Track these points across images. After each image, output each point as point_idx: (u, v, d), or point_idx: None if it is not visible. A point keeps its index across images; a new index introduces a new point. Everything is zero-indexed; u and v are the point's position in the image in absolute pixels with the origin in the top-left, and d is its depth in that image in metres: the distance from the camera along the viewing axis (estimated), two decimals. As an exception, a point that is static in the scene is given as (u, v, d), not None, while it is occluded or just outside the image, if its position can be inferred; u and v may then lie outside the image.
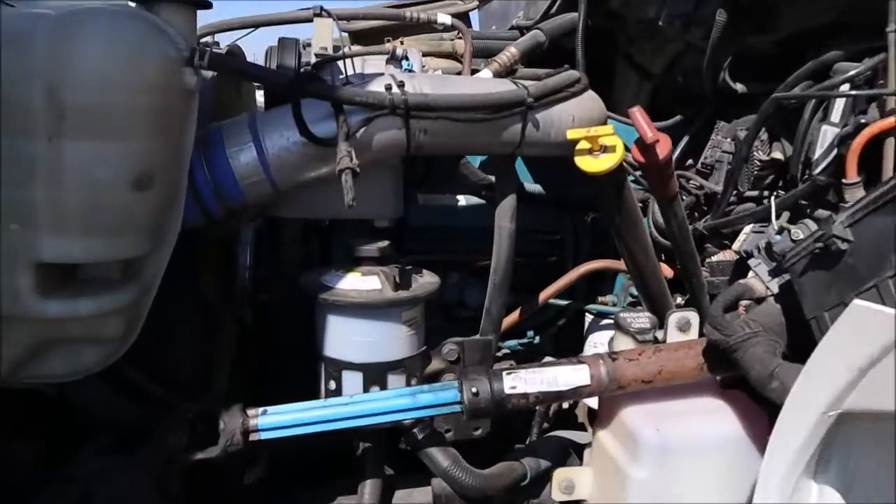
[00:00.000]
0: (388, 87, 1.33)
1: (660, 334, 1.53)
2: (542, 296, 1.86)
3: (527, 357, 2.06)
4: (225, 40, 2.04)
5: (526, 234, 1.95)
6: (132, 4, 1.19)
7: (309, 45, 1.74)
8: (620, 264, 1.78)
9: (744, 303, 1.38)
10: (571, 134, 1.31)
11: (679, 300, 1.96)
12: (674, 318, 1.50)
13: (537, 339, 2.03)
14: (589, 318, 2.03)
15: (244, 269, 1.70)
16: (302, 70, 1.66)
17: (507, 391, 1.33)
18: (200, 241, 1.56)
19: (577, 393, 1.35)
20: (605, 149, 1.29)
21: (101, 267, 1.21)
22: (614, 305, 1.99)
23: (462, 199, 1.95)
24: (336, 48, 1.73)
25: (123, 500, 1.28)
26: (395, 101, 1.32)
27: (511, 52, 1.85)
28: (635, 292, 1.91)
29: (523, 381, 1.33)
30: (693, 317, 1.50)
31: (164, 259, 1.27)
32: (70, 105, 1.05)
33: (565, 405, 2.02)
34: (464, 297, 1.89)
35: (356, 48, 1.73)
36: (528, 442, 1.86)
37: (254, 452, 1.41)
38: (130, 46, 1.08)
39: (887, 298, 1.07)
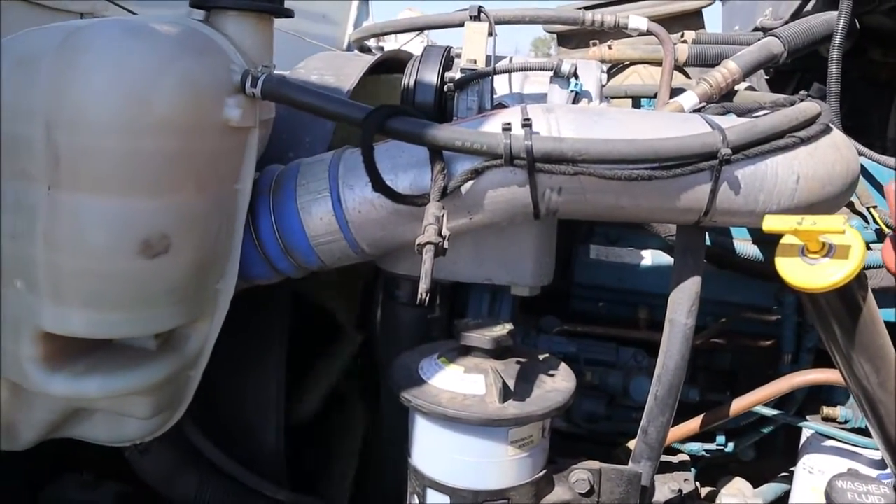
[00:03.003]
0: (507, 128, 0.95)
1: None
2: (738, 404, 1.36)
3: (713, 469, 1.58)
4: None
5: (731, 309, 1.48)
6: (179, 16, 0.93)
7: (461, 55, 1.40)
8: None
9: None
10: (770, 225, 0.82)
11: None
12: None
13: (730, 447, 1.53)
14: (808, 431, 1.48)
15: (378, 307, 1.44)
16: (445, 88, 1.34)
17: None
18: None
19: None
20: (830, 249, 0.80)
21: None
22: (845, 423, 1.43)
23: (648, 257, 1.51)
24: (490, 59, 1.36)
25: None
26: (513, 147, 0.93)
27: (729, 68, 1.36)
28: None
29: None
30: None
31: (215, 327, 1.03)
32: (64, 148, 0.82)
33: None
34: (629, 385, 1.46)
35: (518, 60, 1.35)
36: None
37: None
38: (141, 74, 0.82)
39: None
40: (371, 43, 1.78)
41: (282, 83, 0.90)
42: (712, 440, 1.55)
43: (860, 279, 0.82)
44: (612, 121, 1.03)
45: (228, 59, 0.90)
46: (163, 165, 0.84)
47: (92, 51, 0.80)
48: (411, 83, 1.35)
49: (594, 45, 1.96)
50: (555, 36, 2.28)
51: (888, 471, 1.30)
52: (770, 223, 0.82)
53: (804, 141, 1.04)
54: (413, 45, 1.78)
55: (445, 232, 0.91)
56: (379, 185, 0.95)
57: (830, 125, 1.09)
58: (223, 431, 1.30)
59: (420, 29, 1.58)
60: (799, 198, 1.02)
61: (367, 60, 1.51)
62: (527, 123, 0.96)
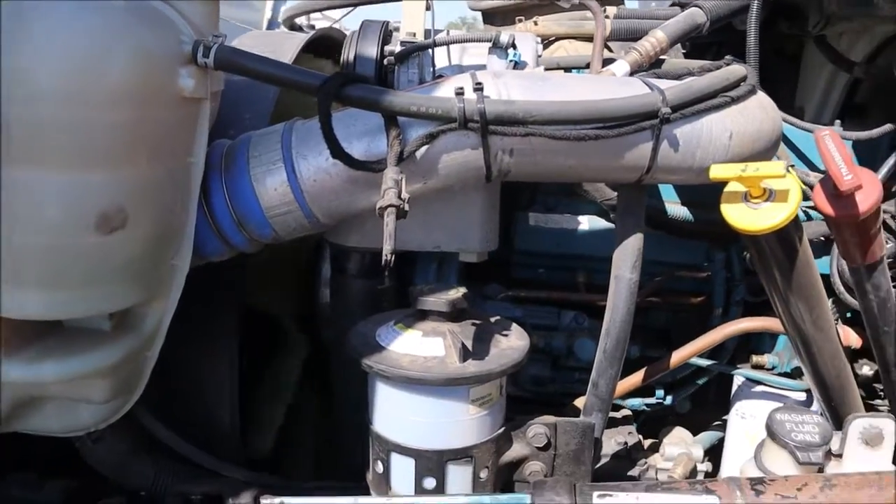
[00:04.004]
0: (460, 92, 0.98)
1: (835, 443, 1.09)
2: (676, 357, 1.44)
3: (653, 419, 1.66)
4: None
5: (664, 268, 1.55)
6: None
7: (398, 29, 1.41)
8: (786, 326, 1.32)
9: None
10: (716, 172, 0.88)
11: (866, 368, 1.49)
12: (857, 427, 1.06)
13: (668, 400, 1.62)
14: (739, 378, 1.58)
15: (325, 285, 1.44)
16: (385, 61, 1.35)
17: (598, 524, 0.95)
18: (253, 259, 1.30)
19: (699, 536, 0.95)
20: (770, 194, 0.86)
21: (84, 319, 0.96)
22: (773, 369, 1.53)
23: (585, 222, 1.57)
24: (430, 33, 1.38)
25: None
26: (466, 111, 0.96)
27: (657, 37, 1.42)
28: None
29: (622, 512, 0.95)
30: (887, 427, 1.05)
31: (170, 305, 1.01)
32: (15, 122, 0.79)
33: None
34: (573, 346, 1.51)
35: (455, 33, 1.38)
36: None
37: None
38: (93, 44, 0.80)
39: None
40: (301, 21, 1.76)
41: (235, 52, 0.90)
42: (652, 395, 1.63)
43: (797, 222, 0.89)
44: (557, 85, 1.07)
45: (178, 30, 0.89)
46: (118, 137, 0.82)
47: (42, 23, 0.78)
48: (351, 57, 1.36)
49: (520, 20, 2.01)
50: (477, 16, 2.32)
51: (814, 407, 1.41)
52: (716, 171, 0.87)
53: (734, 100, 1.10)
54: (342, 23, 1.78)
55: (405, 195, 0.93)
56: (337, 152, 0.96)
57: (756, 86, 1.17)
58: (177, 416, 1.28)
59: (353, 5, 1.58)
60: (732, 153, 1.09)
61: (302, 38, 1.50)
62: (478, 88, 0.99)
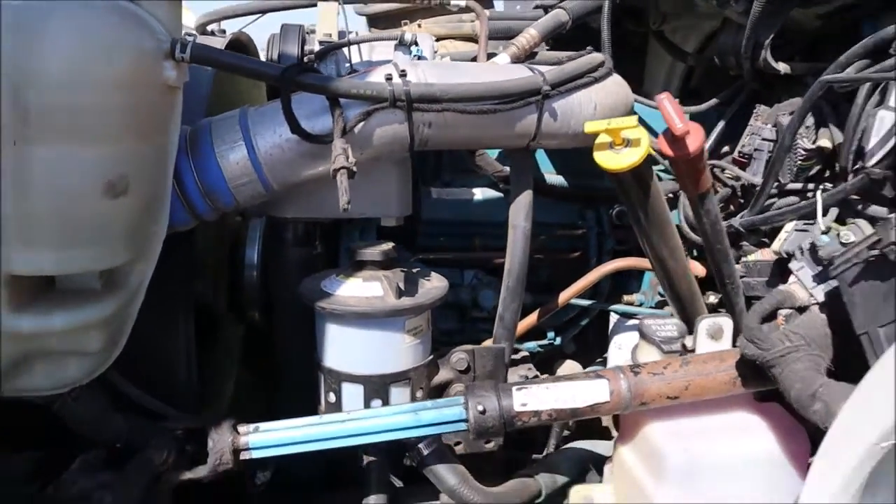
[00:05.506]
0: (389, 78, 1.22)
1: (689, 341, 1.41)
2: (562, 297, 1.74)
3: (546, 359, 1.96)
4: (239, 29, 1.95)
5: (546, 228, 1.84)
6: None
7: (314, 31, 1.63)
8: (647, 263, 1.65)
9: (784, 311, 1.25)
10: (589, 127, 1.18)
11: (711, 298, 1.84)
12: (704, 325, 1.38)
13: (558, 341, 1.92)
14: (614, 317, 1.90)
15: (251, 269, 1.62)
16: (305, 59, 1.56)
17: (518, 408, 1.22)
18: (197, 240, 1.47)
19: (594, 410, 1.24)
20: (627, 142, 1.16)
21: (79, 278, 1.12)
22: (641, 305, 1.86)
23: (479, 193, 1.84)
24: (342, 34, 1.61)
25: (108, 521, 1.20)
26: (395, 92, 1.20)
27: (530, 34, 1.71)
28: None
29: (535, 398, 1.23)
30: (726, 323, 1.38)
31: (150, 267, 1.19)
32: (35, 106, 0.95)
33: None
34: (477, 297, 1.78)
35: (366, 34, 1.62)
36: (544, 454, 1.75)
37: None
38: (100, 40, 0.98)
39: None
40: (213, 27, 1.93)
41: (207, 49, 1.10)
42: (544, 337, 1.92)
43: (647, 163, 1.20)
44: (463, 71, 1.34)
45: (156, 30, 1.08)
46: (120, 117, 1.00)
47: (56, 22, 0.95)
48: (275, 56, 1.57)
49: (405, 24, 2.26)
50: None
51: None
52: (589, 126, 1.17)
53: (597, 80, 1.41)
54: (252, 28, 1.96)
55: (352, 159, 1.16)
56: (296, 128, 1.18)
57: (611, 70, 1.48)
58: (139, 376, 1.42)
59: (267, 11, 1.77)
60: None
61: (221, 42, 1.69)
62: (403, 74, 1.24)
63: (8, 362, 1.13)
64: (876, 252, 1.00)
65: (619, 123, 1.13)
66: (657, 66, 2.01)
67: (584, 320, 1.93)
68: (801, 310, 1.22)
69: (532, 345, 1.91)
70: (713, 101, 1.79)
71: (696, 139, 1.15)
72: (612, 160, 1.16)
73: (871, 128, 1.24)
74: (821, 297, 1.20)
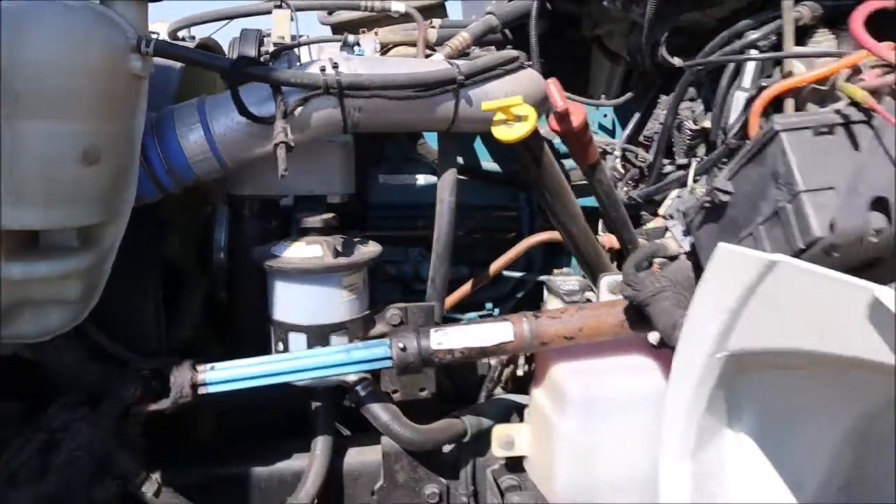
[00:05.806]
0: (323, 69, 1.45)
1: (593, 297, 1.63)
2: (493, 267, 1.96)
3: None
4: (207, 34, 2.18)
5: (483, 210, 2.07)
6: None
7: (269, 35, 1.86)
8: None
9: (660, 261, 1.47)
10: (485, 106, 1.41)
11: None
12: (605, 282, 1.61)
13: (496, 312, 2.13)
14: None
15: (219, 250, 1.83)
16: (262, 58, 1.79)
17: (434, 347, 1.44)
18: (166, 210, 1.67)
19: (501, 349, 1.46)
20: (518, 118, 1.39)
21: (59, 235, 1.34)
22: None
23: (421, 178, 2.06)
24: (294, 38, 1.84)
25: (86, 446, 1.40)
26: (328, 81, 1.43)
27: (463, 36, 1.95)
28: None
29: (449, 338, 1.44)
30: (624, 280, 1.60)
31: (121, 228, 1.40)
32: (23, 89, 1.18)
33: (520, 371, 2.11)
34: (419, 271, 2.00)
35: (314, 36, 1.85)
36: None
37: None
38: (78, 36, 1.21)
39: (759, 243, 1.16)
40: (183, 33, 2.17)
41: (168, 44, 1.33)
42: (483, 308, 2.14)
43: (537, 137, 1.43)
44: (389, 64, 1.58)
45: (125, 29, 1.31)
46: (96, 98, 1.22)
47: (44, 21, 1.18)
48: (235, 56, 1.79)
49: (363, 32, 2.50)
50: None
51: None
52: (486, 105, 1.41)
53: (509, 72, 1.64)
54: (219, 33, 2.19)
55: (290, 136, 1.39)
56: (244, 112, 1.40)
57: (525, 63, 1.71)
58: (112, 329, 1.61)
59: (233, 17, 2.01)
60: (509, 107, 1.62)
61: (191, 46, 1.93)
62: (335, 66, 1.47)
63: (6, 305, 1.35)
64: (708, 198, 1.22)
65: (509, 102, 1.37)
66: (598, 69, 2.22)
67: (520, 293, 2.15)
68: (673, 259, 1.45)
69: (472, 315, 2.12)
70: (628, 96, 2.02)
71: (578, 116, 1.38)
72: (506, 133, 1.39)
73: (730, 105, 1.47)
74: (687, 248, 1.43)
